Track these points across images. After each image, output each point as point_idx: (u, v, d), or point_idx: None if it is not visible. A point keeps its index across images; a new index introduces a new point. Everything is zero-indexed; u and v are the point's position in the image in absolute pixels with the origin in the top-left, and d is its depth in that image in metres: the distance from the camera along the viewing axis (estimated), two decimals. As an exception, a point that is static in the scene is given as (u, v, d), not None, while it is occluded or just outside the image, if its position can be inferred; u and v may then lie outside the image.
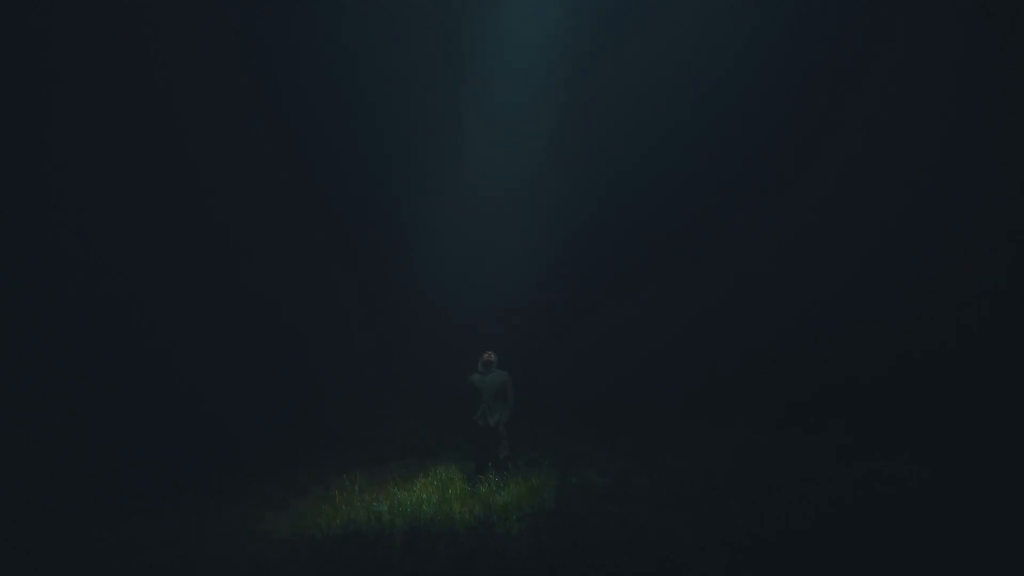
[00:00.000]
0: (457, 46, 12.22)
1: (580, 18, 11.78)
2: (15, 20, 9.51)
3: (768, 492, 6.07)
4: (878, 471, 6.37)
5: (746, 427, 8.38)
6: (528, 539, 5.43)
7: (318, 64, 11.73)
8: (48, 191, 9.65)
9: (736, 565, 4.77)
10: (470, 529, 5.71)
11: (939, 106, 9.99)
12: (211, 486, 7.57)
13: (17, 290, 8.97)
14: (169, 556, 5.66)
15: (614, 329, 11.28)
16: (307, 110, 11.86)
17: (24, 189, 9.42)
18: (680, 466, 7.12)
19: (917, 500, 5.64)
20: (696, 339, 10.72)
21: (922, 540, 4.92)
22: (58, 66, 9.80)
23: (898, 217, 10.12)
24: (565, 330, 11.46)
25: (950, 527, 5.09)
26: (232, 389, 9.38)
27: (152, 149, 10.56)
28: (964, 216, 9.55)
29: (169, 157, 10.73)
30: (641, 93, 11.55)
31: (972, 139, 9.73)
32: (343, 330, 11.71)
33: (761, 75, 11.10)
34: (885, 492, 5.83)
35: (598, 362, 10.73)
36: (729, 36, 11.09)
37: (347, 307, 11.98)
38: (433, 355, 10.96)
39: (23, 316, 8.94)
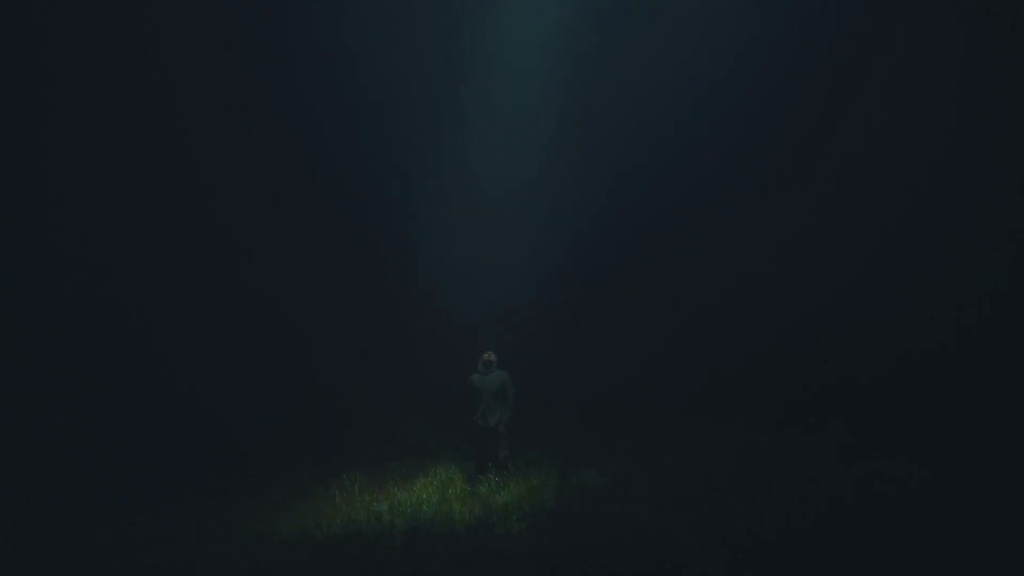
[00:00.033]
0: (457, 46, 12.21)
1: (580, 18, 11.78)
2: (15, 20, 9.52)
3: (768, 492, 6.07)
4: (878, 471, 6.36)
5: (746, 427, 8.38)
6: (528, 539, 5.43)
7: (318, 64, 11.73)
8: (48, 191, 9.66)
9: (736, 565, 4.77)
10: (470, 529, 5.71)
11: (939, 106, 10.00)
12: (211, 486, 7.57)
13: (17, 290, 8.98)
14: (169, 556, 5.66)
15: (614, 329, 11.28)
16: (307, 110, 11.87)
17: (24, 189, 9.43)
18: (680, 466, 7.12)
19: (917, 500, 5.63)
20: (696, 339, 10.72)
21: (922, 540, 4.92)
22: (58, 66, 9.82)
23: (898, 217, 10.12)
24: (565, 330, 11.47)
25: (950, 527, 5.08)
26: (232, 389, 9.39)
27: (152, 149, 10.58)
28: (964, 216, 9.56)
29: (169, 157, 10.75)
30: (641, 93, 11.55)
31: (972, 139, 9.73)
32: (343, 330, 11.70)
33: (761, 75, 11.10)
34: (885, 492, 5.83)
35: (598, 362, 10.73)
36: (729, 36, 11.10)
37: (347, 307, 11.96)
38: (433, 355, 10.97)
39: (23, 316, 8.95)
